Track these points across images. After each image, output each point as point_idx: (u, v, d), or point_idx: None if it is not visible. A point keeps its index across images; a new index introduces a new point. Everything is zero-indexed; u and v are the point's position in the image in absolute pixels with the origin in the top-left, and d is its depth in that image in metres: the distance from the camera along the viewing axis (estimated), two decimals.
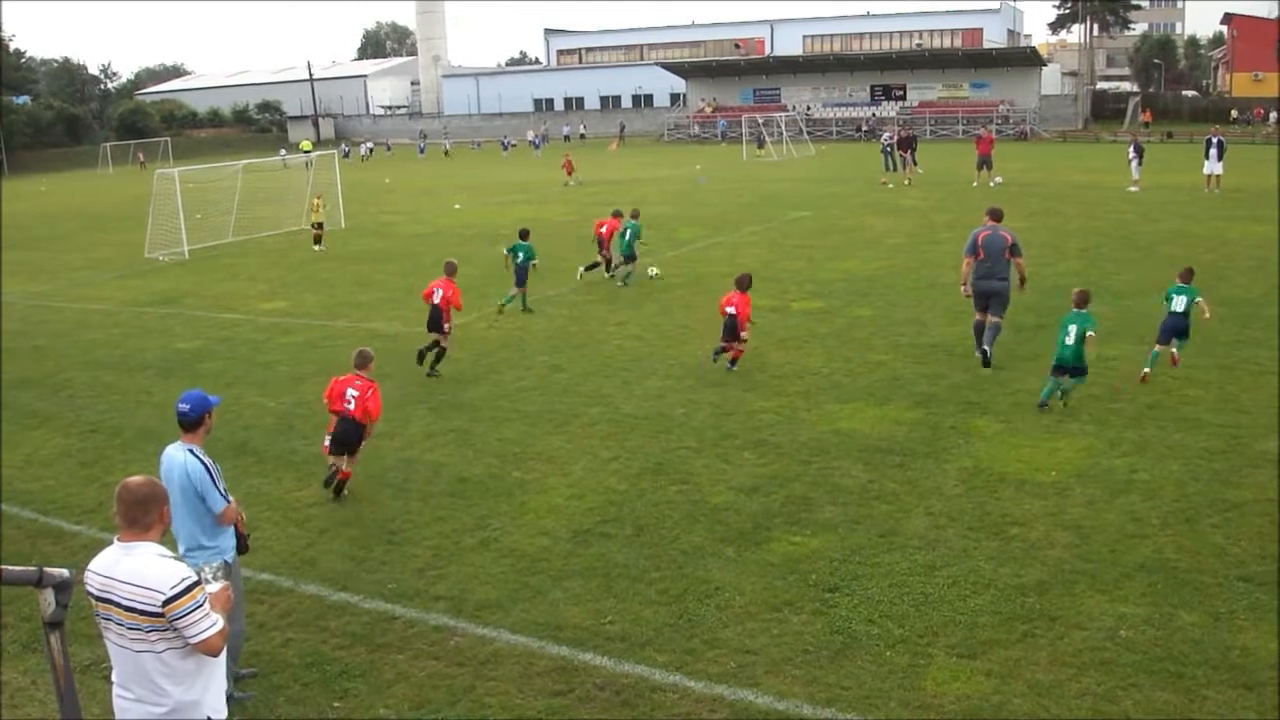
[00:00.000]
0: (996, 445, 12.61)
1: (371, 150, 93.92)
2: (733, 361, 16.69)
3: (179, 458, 7.53)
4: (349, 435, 12.00)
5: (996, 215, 16.62)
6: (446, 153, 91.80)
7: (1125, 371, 15.27)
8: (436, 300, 17.25)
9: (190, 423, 7.61)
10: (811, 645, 8.29)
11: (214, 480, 7.46)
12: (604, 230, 24.46)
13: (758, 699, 7.64)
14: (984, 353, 15.92)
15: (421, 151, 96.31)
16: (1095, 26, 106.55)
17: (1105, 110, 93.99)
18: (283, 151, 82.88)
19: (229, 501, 7.59)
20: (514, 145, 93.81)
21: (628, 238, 23.63)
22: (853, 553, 9.87)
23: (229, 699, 7.85)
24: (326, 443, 12.11)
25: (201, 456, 7.52)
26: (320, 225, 33.29)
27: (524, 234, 22.18)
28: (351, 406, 11.89)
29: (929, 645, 8.21)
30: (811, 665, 8.02)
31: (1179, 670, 7.68)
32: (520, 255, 21.74)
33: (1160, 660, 7.81)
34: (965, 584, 9.14)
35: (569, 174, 52.61)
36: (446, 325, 17.15)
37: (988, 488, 11.31)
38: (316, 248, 32.66)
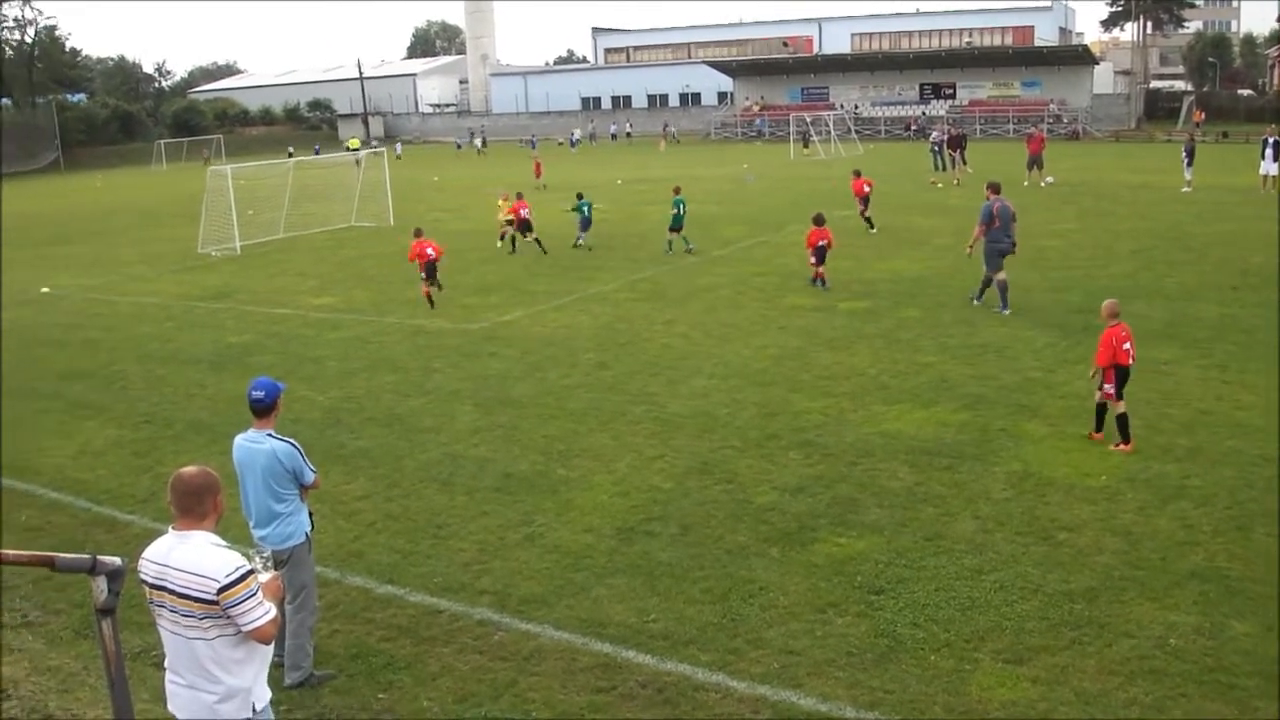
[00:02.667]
0: (1046, 449, 12.50)
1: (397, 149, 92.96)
2: (825, 281, 22.61)
3: (263, 445, 7.83)
4: (432, 270, 22.68)
5: (997, 188, 20.16)
6: (480, 152, 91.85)
7: (1179, 376, 15.09)
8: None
9: (265, 408, 7.89)
10: (856, 647, 8.26)
11: (303, 456, 7.92)
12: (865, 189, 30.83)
13: (801, 700, 7.62)
14: (1004, 301, 19.55)
15: (459, 146, 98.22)
16: (1148, 24, 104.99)
17: (1159, 110, 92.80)
18: (290, 149, 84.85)
19: (315, 472, 8.09)
20: (551, 142, 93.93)
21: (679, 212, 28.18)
22: (898, 555, 9.82)
23: (308, 679, 8.01)
24: (425, 288, 22.67)
25: (285, 438, 7.89)
26: (510, 223, 31.44)
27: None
28: (431, 253, 22.53)
29: (975, 650, 8.15)
30: (855, 668, 7.98)
31: (1230, 681, 7.57)
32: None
33: (1211, 670, 7.71)
34: (1012, 589, 9.07)
35: (537, 176, 52.08)
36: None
37: (1036, 492, 11.21)
38: (498, 244, 31.47)
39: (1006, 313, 19.33)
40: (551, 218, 33.47)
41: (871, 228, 30.32)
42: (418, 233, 23.61)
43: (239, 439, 7.96)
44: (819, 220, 22.75)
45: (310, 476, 7.98)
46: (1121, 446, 12.26)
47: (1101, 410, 12.59)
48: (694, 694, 7.77)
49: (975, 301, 20.20)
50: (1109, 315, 12.52)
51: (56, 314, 24.60)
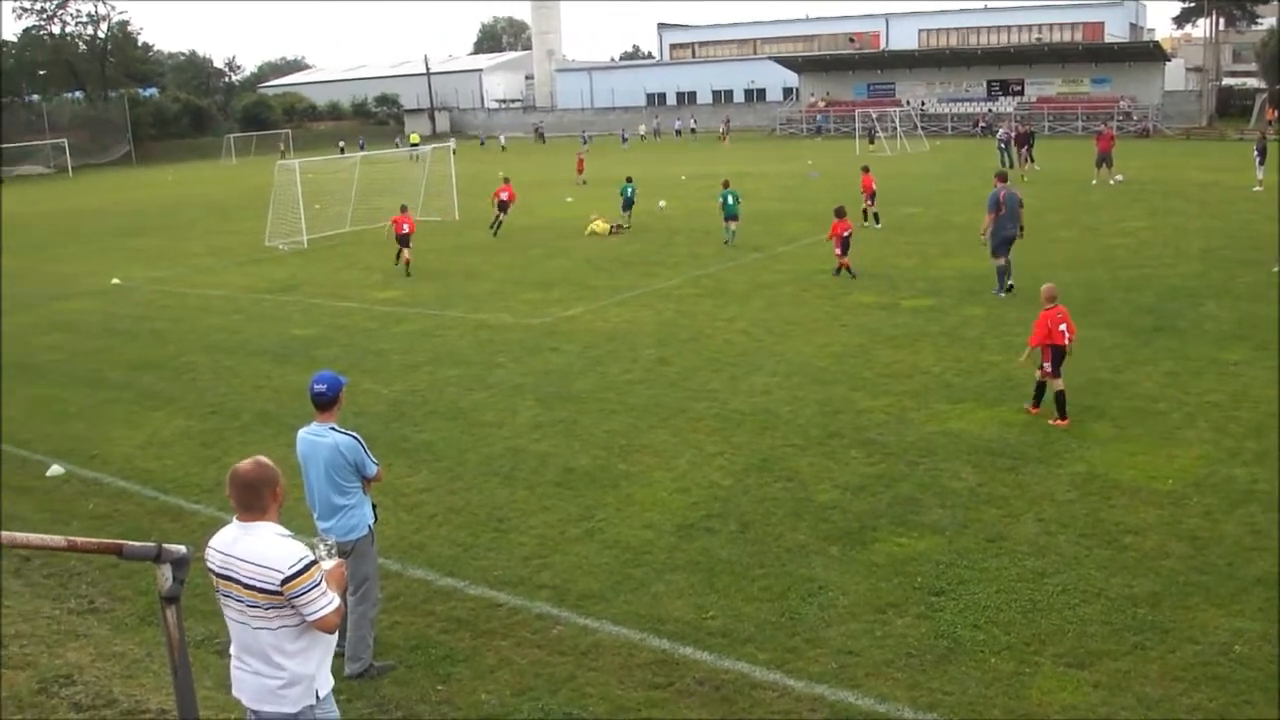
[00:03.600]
0: (1111, 451, 12.32)
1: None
2: (852, 271, 23.55)
3: (325, 439, 7.91)
4: (405, 241, 26.90)
5: (1004, 177, 21.87)
6: (503, 148, 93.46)
7: (1249, 377, 14.83)
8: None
9: (327, 402, 7.96)
10: (915, 648, 8.20)
11: (365, 450, 7.97)
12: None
13: (858, 700, 7.58)
14: (1010, 288, 20.85)
15: (482, 143, 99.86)
16: (1221, 20, 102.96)
17: (1231, 107, 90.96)
18: (341, 144, 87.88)
19: (378, 465, 8.13)
20: (616, 138, 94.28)
21: (729, 203, 29.06)
22: (960, 556, 9.73)
23: (368, 670, 8.10)
24: (405, 255, 26.99)
25: (347, 431, 7.97)
26: (617, 228, 33.34)
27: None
28: (406, 230, 26.86)
29: (1036, 653, 8.06)
30: (914, 669, 7.93)
31: None
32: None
33: (1276, 678, 7.56)
34: (1075, 592, 8.96)
35: (579, 173, 52.59)
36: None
37: (1101, 494, 11.06)
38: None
39: (1002, 295, 20.75)
40: (592, 210, 33.53)
41: (877, 223, 31.20)
42: (403, 209, 28.26)
43: (302, 432, 8.05)
44: (840, 212, 23.71)
45: (373, 469, 8.03)
46: (1059, 422, 13.16)
47: (1040, 387, 13.56)
48: (751, 692, 7.76)
49: (1000, 294, 20.95)
50: (1047, 299, 13.45)
51: (126, 305, 25.07)
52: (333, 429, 7.90)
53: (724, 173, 39.49)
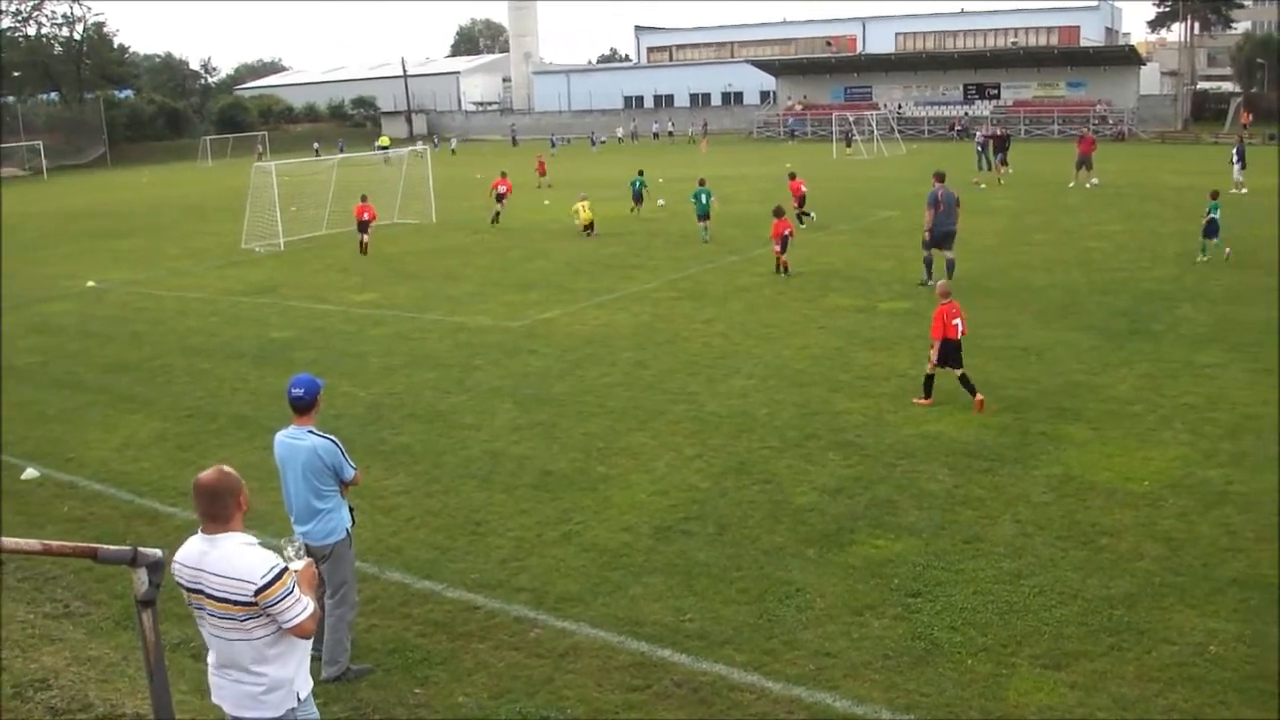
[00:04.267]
0: (1087, 453, 12.38)
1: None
2: (788, 269, 24.29)
3: (303, 442, 7.88)
4: (364, 227, 29.92)
5: (942, 177, 22.66)
6: (453, 151, 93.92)
7: (1225, 379, 14.92)
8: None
9: (305, 405, 7.94)
10: (892, 650, 8.22)
11: (343, 453, 7.94)
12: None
13: (836, 702, 7.59)
14: (929, 274, 21.90)
15: (435, 145, 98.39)
16: (1196, 25, 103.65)
17: (1206, 111, 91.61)
18: (316, 145, 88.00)
19: (356, 469, 8.09)
20: (566, 142, 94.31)
21: (704, 201, 30.37)
22: (936, 558, 9.76)
23: (345, 673, 8.06)
24: (361, 238, 30.53)
25: (325, 435, 7.95)
26: (588, 228, 33.34)
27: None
28: (365, 218, 30.07)
29: (1012, 655, 8.10)
30: (891, 670, 7.95)
31: (1271, 689, 7.47)
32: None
33: (1251, 679, 7.62)
34: (1051, 593, 9.00)
35: (541, 175, 52.69)
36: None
37: (1077, 496, 11.12)
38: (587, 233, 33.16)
39: (931, 283, 20.93)
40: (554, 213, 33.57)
41: (802, 223, 31.86)
42: (363, 198, 31.51)
43: (280, 436, 8.02)
44: (779, 213, 24.80)
45: (350, 473, 8.00)
46: (977, 400, 14.07)
47: (929, 380, 14.46)
48: (729, 694, 7.77)
49: (928, 284, 21.86)
50: (941, 295, 14.57)
51: (102, 307, 24.91)
52: (311, 432, 7.87)
53: (706, 176, 39.60)
